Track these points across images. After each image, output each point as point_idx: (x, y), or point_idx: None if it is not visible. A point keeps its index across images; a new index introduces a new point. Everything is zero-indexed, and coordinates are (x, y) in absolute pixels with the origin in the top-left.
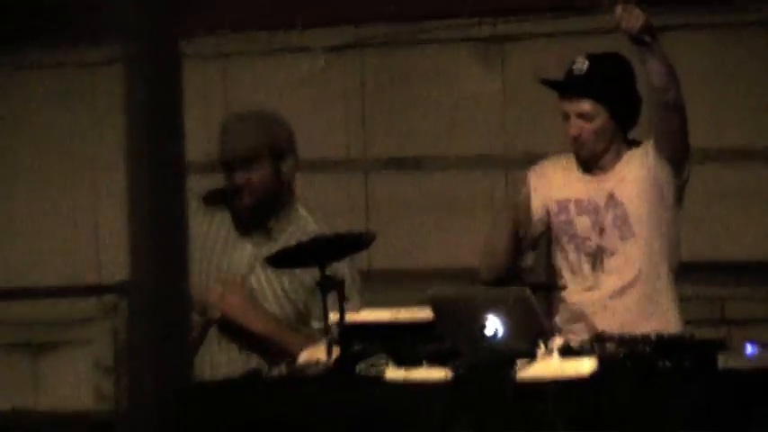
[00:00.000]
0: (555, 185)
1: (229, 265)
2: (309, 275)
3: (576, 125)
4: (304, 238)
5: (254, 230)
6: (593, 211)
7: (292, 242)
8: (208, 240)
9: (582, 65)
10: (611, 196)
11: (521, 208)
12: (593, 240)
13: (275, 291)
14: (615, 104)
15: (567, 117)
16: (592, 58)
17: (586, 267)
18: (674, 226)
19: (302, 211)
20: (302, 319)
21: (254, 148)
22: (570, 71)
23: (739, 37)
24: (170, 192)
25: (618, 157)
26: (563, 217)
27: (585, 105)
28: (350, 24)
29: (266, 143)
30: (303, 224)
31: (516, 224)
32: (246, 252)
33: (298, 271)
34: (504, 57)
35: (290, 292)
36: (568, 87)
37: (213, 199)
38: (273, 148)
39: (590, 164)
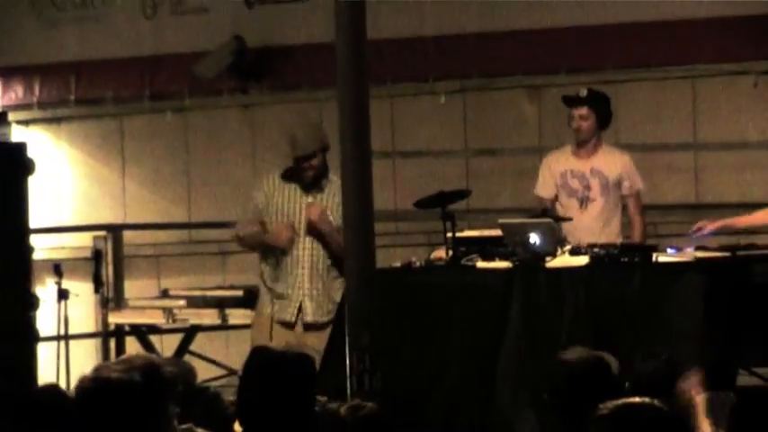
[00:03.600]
0: (558, 164)
1: (301, 210)
2: (335, 213)
3: (578, 122)
4: (336, 187)
5: (312, 189)
6: (581, 176)
7: (332, 191)
8: (282, 198)
9: (583, 91)
10: (592, 168)
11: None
12: (582, 192)
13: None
14: (598, 114)
15: (572, 118)
16: (589, 89)
17: (576, 207)
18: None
19: (332, 175)
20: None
21: (313, 149)
22: (577, 94)
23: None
24: (361, 166)
25: (596, 149)
26: (563, 180)
27: (584, 110)
28: (457, 79)
29: (318, 146)
30: (335, 181)
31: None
32: (309, 201)
33: (333, 211)
34: (540, 95)
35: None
36: (577, 100)
37: (286, 176)
38: (321, 147)
39: (581, 146)
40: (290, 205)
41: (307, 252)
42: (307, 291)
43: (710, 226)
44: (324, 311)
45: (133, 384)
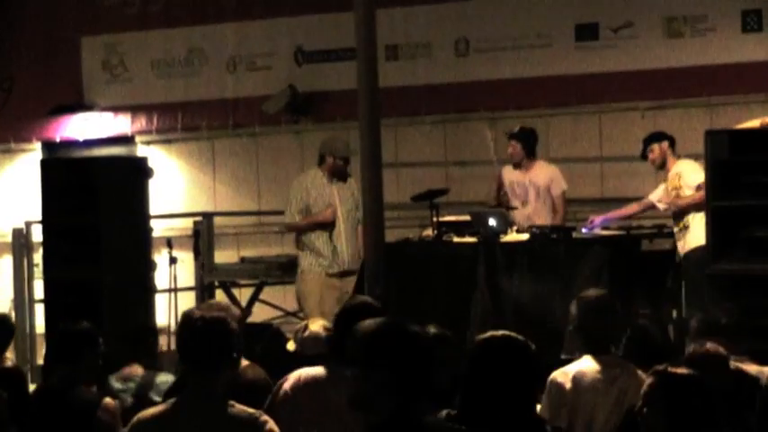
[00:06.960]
0: (508, 175)
1: (331, 197)
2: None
3: (511, 150)
4: (353, 183)
5: (340, 183)
6: (522, 185)
7: (352, 184)
8: (318, 188)
9: (516, 129)
10: (530, 180)
11: (499, 181)
12: (522, 196)
13: (350, 204)
14: (526, 144)
15: (509, 147)
16: (520, 128)
17: (519, 205)
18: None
19: (350, 174)
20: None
21: (349, 156)
22: (512, 131)
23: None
24: (375, 172)
25: (529, 166)
26: (511, 188)
27: (514, 143)
28: (439, 114)
29: (349, 153)
30: (353, 179)
31: (499, 187)
32: (336, 191)
33: (356, 201)
34: (495, 126)
35: (354, 204)
36: (510, 136)
37: (324, 171)
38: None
39: (516, 166)
40: (324, 191)
41: (342, 228)
42: (346, 252)
43: (597, 219)
44: (354, 264)
45: (216, 320)
